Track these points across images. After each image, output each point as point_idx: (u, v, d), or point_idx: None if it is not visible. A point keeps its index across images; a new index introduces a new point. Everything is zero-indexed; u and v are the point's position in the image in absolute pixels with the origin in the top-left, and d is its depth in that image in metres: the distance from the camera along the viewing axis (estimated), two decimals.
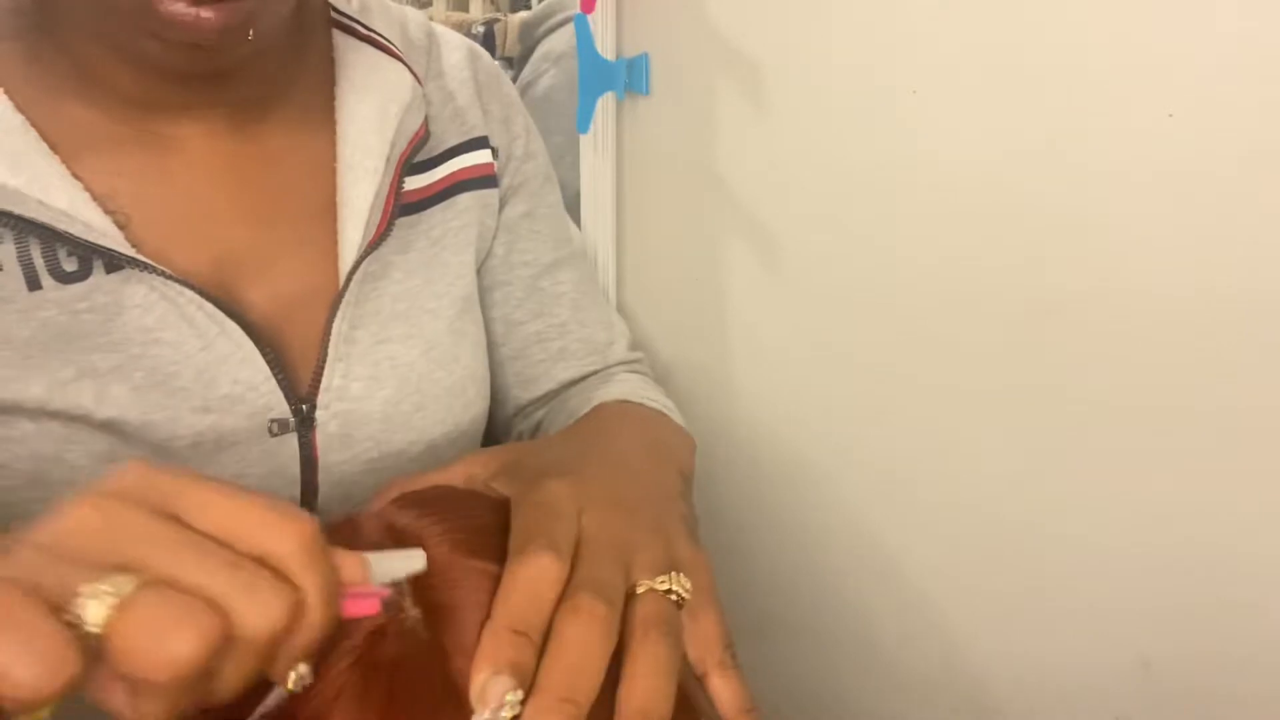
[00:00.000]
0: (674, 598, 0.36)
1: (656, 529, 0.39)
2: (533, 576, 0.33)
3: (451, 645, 0.33)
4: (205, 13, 0.40)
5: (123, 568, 0.26)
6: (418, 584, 0.34)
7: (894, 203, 0.57)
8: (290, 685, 0.30)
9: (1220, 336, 0.45)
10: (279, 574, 0.29)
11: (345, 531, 0.37)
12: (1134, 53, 0.45)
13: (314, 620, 0.29)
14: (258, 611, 0.27)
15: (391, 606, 0.33)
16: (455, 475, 0.43)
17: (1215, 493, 0.47)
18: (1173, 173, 0.45)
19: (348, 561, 0.31)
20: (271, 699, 0.32)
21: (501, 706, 0.30)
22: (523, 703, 0.31)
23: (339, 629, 0.31)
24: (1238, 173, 0.43)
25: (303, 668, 0.30)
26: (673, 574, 0.37)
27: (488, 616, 0.32)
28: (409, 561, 0.33)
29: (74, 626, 0.25)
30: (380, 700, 0.32)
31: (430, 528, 0.37)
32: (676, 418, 0.62)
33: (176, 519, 0.28)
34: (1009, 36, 0.49)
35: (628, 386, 0.62)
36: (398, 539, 0.36)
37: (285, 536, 0.29)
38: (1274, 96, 0.42)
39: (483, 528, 0.37)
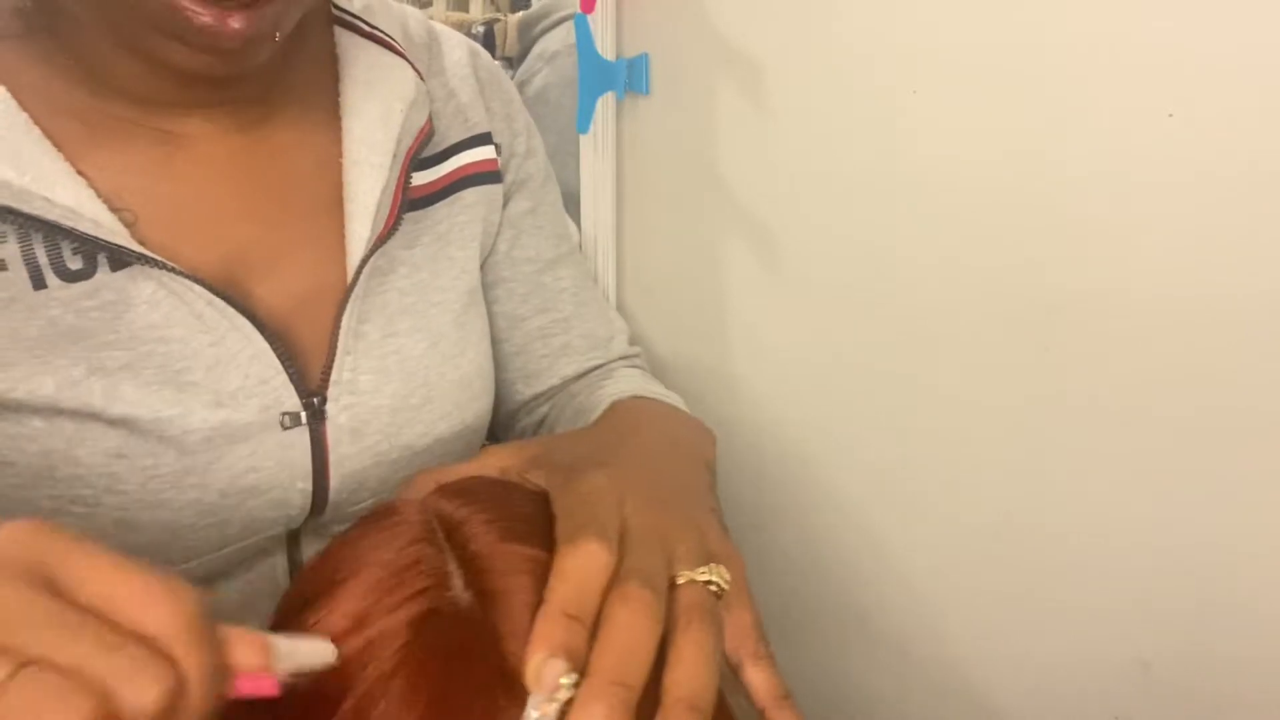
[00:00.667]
0: (713, 588, 0.37)
1: (691, 521, 0.40)
2: (584, 563, 0.34)
3: (504, 629, 0.33)
4: (234, 22, 0.41)
5: None
6: (469, 569, 0.35)
7: (894, 203, 0.57)
8: None
9: (1221, 337, 0.45)
10: (160, 653, 0.28)
11: (387, 518, 0.38)
12: (1134, 53, 0.45)
13: (194, 701, 0.28)
14: (136, 693, 0.27)
15: (290, 688, 0.31)
16: (489, 467, 0.44)
17: (1215, 493, 0.47)
18: (1173, 173, 0.45)
19: (244, 644, 0.30)
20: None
21: (557, 689, 0.31)
22: (575, 685, 0.31)
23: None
24: (1238, 173, 0.43)
25: None
26: (711, 565, 0.38)
27: (538, 602, 0.33)
28: (316, 652, 0.32)
29: None
30: (434, 681, 0.32)
31: (475, 515, 0.37)
32: (685, 409, 0.62)
33: (57, 591, 0.28)
34: (1009, 36, 0.49)
35: (635, 383, 0.63)
36: (445, 526, 0.37)
37: (167, 614, 0.28)
38: (1274, 96, 0.42)
39: (527, 516, 0.38)
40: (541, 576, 0.34)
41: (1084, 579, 0.53)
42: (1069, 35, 0.47)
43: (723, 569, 0.38)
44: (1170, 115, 0.44)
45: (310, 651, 0.32)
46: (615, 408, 0.57)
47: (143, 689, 0.27)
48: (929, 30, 0.53)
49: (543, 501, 0.39)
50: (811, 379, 0.65)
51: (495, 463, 0.44)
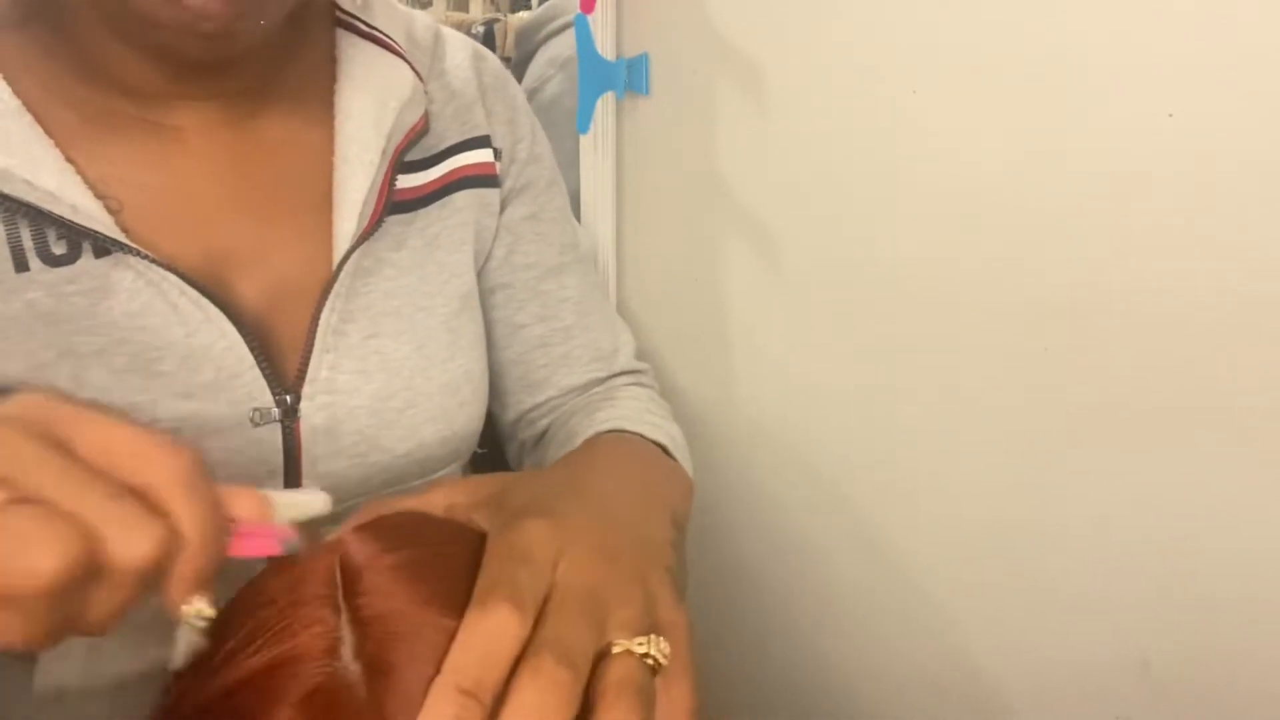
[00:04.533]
0: (649, 662, 0.33)
1: (637, 581, 0.37)
2: (490, 631, 0.31)
3: (393, 706, 0.30)
4: (215, 3, 0.41)
5: None
6: (363, 634, 0.32)
7: (893, 203, 0.57)
8: (188, 619, 0.30)
9: (1221, 336, 0.45)
10: (156, 506, 0.29)
11: (296, 565, 0.35)
12: (1134, 53, 0.45)
13: (193, 553, 0.29)
14: (126, 539, 0.28)
15: (293, 548, 0.31)
16: (435, 503, 0.41)
17: (1216, 493, 0.47)
18: (1173, 173, 0.45)
19: (241, 498, 0.31)
20: (180, 637, 0.32)
21: None
22: None
23: (277, 682, 0.30)
24: (1238, 173, 0.43)
25: (200, 602, 0.30)
26: (652, 637, 0.34)
27: (435, 675, 0.30)
28: (312, 503, 0.32)
29: None
30: None
31: (388, 569, 0.34)
32: (680, 446, 0.61)
33: (62, 447, 0.29)
34: (1009, 37, 0.49)
35: (631, 408, 0.61)
36: (347, 578, 0.34)
37: (161, 467, 0.29)
38: (1274, 96, 0.42)
39: (451, 570, 0.35)
40: (442, 646, 0.31)
41: (1084, 578, 0.53)
42: (1069, 36, 0.47)
43: (663, 641, 0.34)
44: (1170, 115, 0.44)
45: (308, 502, 0.32)
46: (589, 445, 0.55)
47: (135, 536, 0.28)
48: (929, 31, 0.53)
49: (479, 548, 0.36)
50: (810, 378, 0.65)
51: (443, 499, 0.41)
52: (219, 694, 0.32)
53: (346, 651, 0.32)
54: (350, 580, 0.34)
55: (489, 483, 0.43)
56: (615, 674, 0.32)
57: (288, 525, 0.31)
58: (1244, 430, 0.46)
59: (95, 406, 0.30)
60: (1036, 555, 0.55)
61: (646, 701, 0.32)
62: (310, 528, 0.33)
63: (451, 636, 0.31)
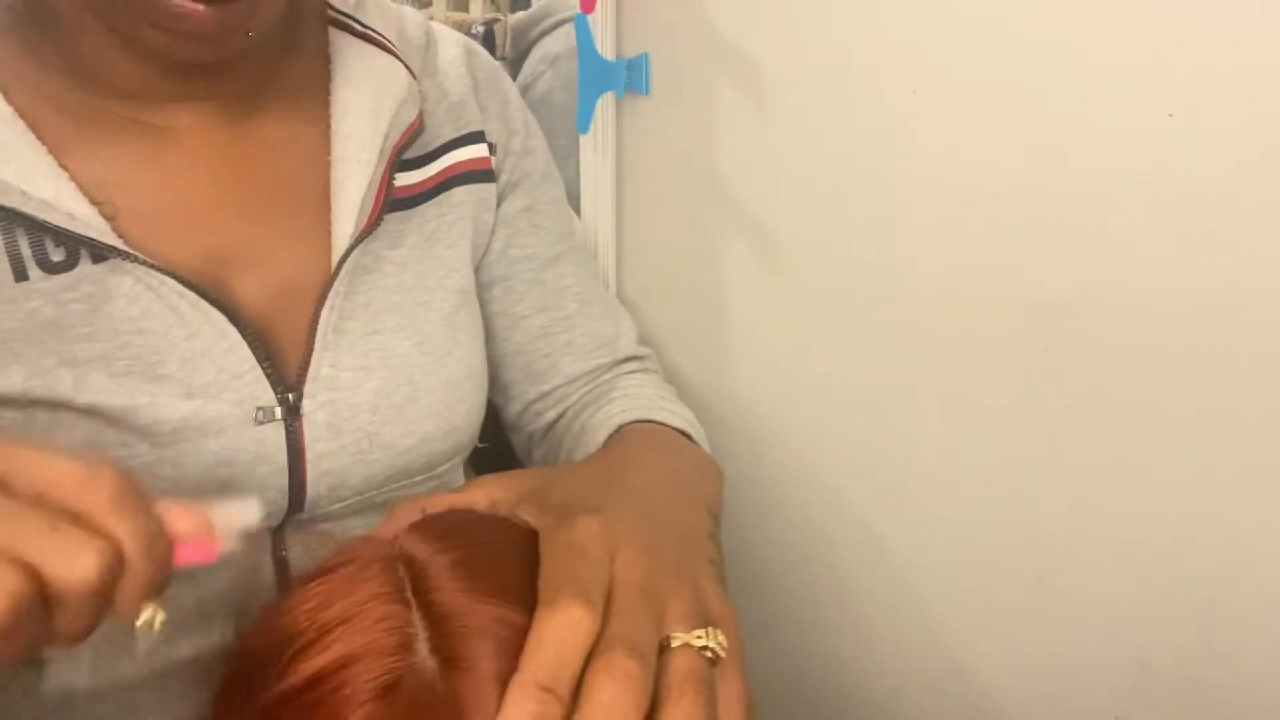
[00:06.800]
0: (709, 655, 0.34)
1: (686, 575, 0.38)
2: (563, 629, 0.32)
3: (469, 701, 0.31)
4: (204, 9, 0.41)
5: None
6: (435, 629, 0.33)
7: (894, 203, 0.57)
8: (140, 627, 0.31)
9: (1221, 337, 0.45)
10: (96, 530, 0.30)
11: (353, 564, 0.36)
12: (1134, 53, 0.45)
13: (136, 569, 0.30)
14: (66, 565, 0.29)
15: (227, 557, 0.33)
16: (478, 499, 0.42)
17: (1215, 493, 0.47)
18: (1173, 173, 0.45)
19: (179, 514, 0.32)
20: (142, 646, 0.33)
21: None
22: None
23: (351, 671, 0.31)
24: (1238, 173, 0.43)
25: (150, 611, 0.31)
26: (709, 630, 0.35)
27: (508, 670, 0.31)
28: (245, 513, 0.34)
29: None
30: None
31: (449, 566, 0.35)
32: (697, 430, 0.62)
33: None
34: (1009, 36, 0.49)
35: (644, 397, 0.62)
36: (413, 576, 0.35)
37: (92, 490, 0.30)
38: (1274, 96, 0.42)
39: (507, 566, 0.36)
40: (512, 641, 0.32)
41: (1084, 578, 0.53)
42: (1069, 35, 0.47)
43: (720, 633, 0.35)
44: (1170, 115, 0.44)
45: (242, 512, 0.33)
46: (619, 437, 0.56)
47: (76, 563, 0.29)
48: (929, 30, 0.53)
49: (530, 544, 0.37)
50: (810, 378, 0.65)
51: (485, 495, 0.42)
52: (288, 693, 0.32)
53: (421, 647, 0.32)
54: (417, 577, 0.34)
55: (529, 478, 0.44)
56: (680, 667, 0.33)
57: (225, 535, 0.33)
58: (1244, 430, 0.46)
59: (18, 440, 0.31)
60: (1036, 554, 0.55)
61: (710, 694, 0.33)
62: (244, 535, 0.34)
63: (520, 632, 0.32)
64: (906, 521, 0.62)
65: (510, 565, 0.36)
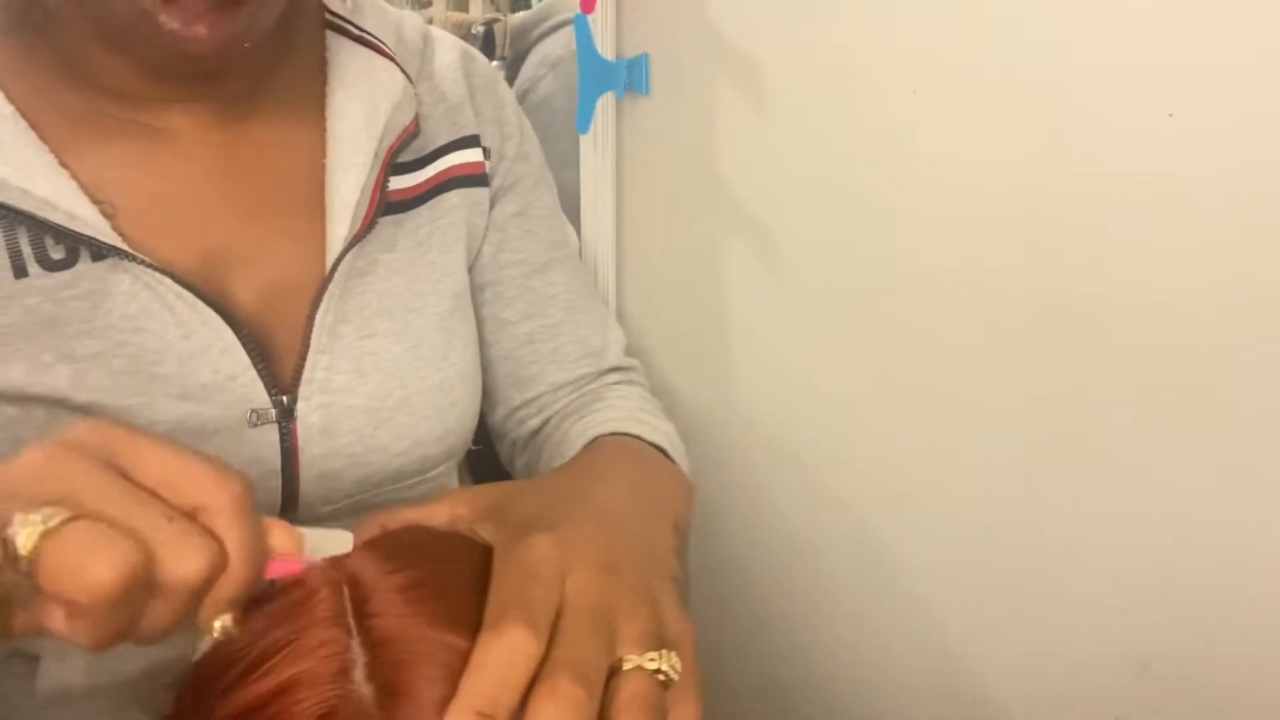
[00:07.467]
0: (661, 678, 0.34)
1: (644, 593, 0.37)
2: (505, 653, 0.31)
3: None
4: (201, 28, 0.41)
5: (58, 504, 0.29)
6: (375, 655, 0.32)
7: (894, 203, 0.57)
8: (215, 634, 0.32)
9: (1220, 337, 0.45)
10: (206, 529, 0.31)
11: (299, 589, 0.35)
12: (1134, 53, 0.45)
13: (235, 575, 0.31)
14: (178, 557, 0.30)
15: (315, 573, 0.35)
16: (439, 515, 0.42)
17: (1215, 493, 0.47)
18: (1173, 173, 0.45)
19: (278, 531, 0.34)
20: (202, 645, 0.34)
21: None
22: None
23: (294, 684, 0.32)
24: (1238, 173, 0.43)
25: (227, 619, 0.32)
26: (662, 652, 0.34)
27: (450, 696, 0.30)
28: (338, 544, 0.35)
29: (8, 548, 0.28)
30: None
31: (396, 589, 0.34)
32: (676, 445, 0.61)
33: (120, 470, 0.31)
34: (1009, 37, 0.49)
35: (625, 409, 0.61)
36: (356, 599, 0.34)
37: (214, 494, 0.31)
38: (1274, 96, 0.42)
39: (458, 588, 0.35)
40: (456, 666, 0.31)
41: (1084, 578, 0.53)
42: (1069, 35, 0.47)
43: (674, 656, 0.34)
44: (1170, 115, 0.44)
45: (335, 540, 0.35)
46: (589, 452, 0.55)
47: (187, 555, 0.30)
48: (929, 31, 0.53)
49: (485, 563, 0.36)
50: (810, 378, 0.65)
51: (446, 511, 0.42)
52: (232, 717, 0.32)
53: (359, 674, 0.32)
54: (360, 601, 0.34)
55: (490, 493, 0.43)
56: (628, 691, 0.32)
57: (313, 558, 0.35)
58: (1245, 430, 0.46)
59: (145, 432, 0.32)
60: (1035, 554, 0.55)
61: (659, 717, 0.32)
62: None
63: (464, 657, 0.31)
64: (905, 521, 0.62)
65: (461, 587, 0.35)
